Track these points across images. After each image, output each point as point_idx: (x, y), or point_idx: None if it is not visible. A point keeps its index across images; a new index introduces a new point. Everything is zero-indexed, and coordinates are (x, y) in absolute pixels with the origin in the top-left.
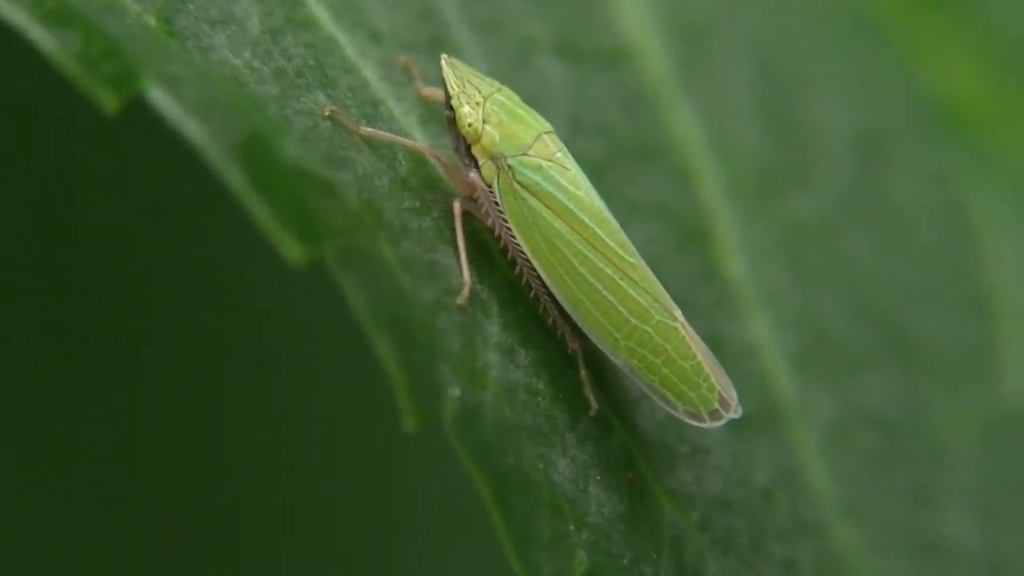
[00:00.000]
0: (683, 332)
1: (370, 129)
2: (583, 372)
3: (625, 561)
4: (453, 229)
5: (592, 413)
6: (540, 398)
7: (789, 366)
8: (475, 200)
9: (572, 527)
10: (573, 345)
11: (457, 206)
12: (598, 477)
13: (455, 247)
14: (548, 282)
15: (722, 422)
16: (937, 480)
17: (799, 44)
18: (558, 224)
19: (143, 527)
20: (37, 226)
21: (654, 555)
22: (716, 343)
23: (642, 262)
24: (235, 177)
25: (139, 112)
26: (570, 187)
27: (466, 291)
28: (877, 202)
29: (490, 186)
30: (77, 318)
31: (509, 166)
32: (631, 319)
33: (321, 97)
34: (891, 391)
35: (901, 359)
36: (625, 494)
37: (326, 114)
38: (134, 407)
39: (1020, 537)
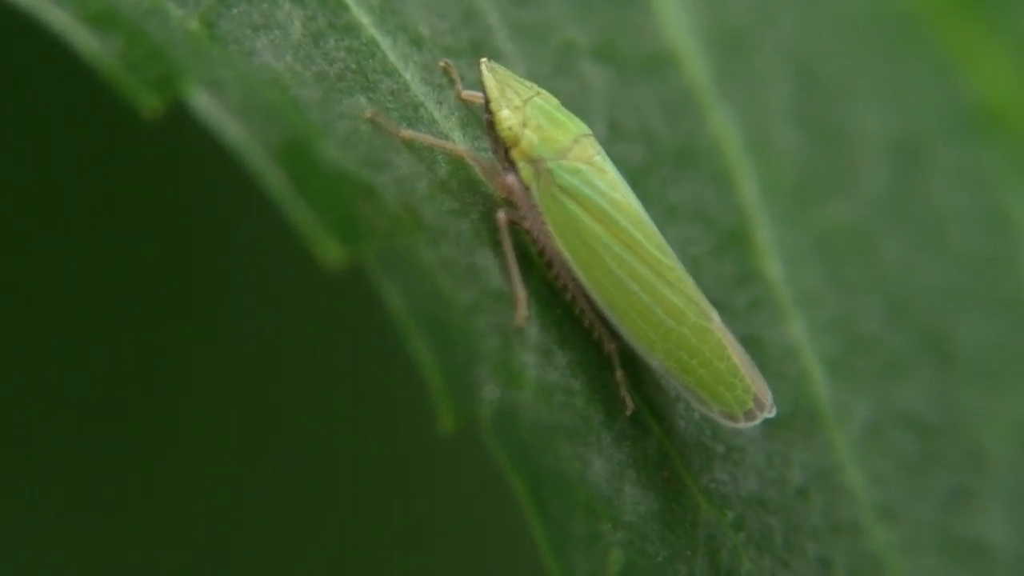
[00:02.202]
0: (719, 334)
1: (411, 132)
2: (619, 372)
3: (660, 559)
4: (500, 242)
5: (628, 413)
6: (576, 398)
7: (826, 368)
8: (513, 203)
9: (608, 526)
10: (609, 346)
11: (503, 217)
12: (634, 476)
13: (504, 262)
14: (586, 284)
15: (756, 422)
16: (973, 482)
17: (837, 48)
18: (596, 227)
19: (156, 530)
20: (51, 223)
21: (689, 553)
22: (753, 345)
23: (679, 264)
24: (276, 180)
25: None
26: (608, 190)
27: (522, 308)
28: (915, 205)
29: (529, 189)
30: (104, 320)
31: (548, 169)
32: (668, 320)
33: (362, 100)
34: (928, 393)
35: (938, 362)
36: (660, 493)
37: (367, 117)
38: (153, 407)
39: None
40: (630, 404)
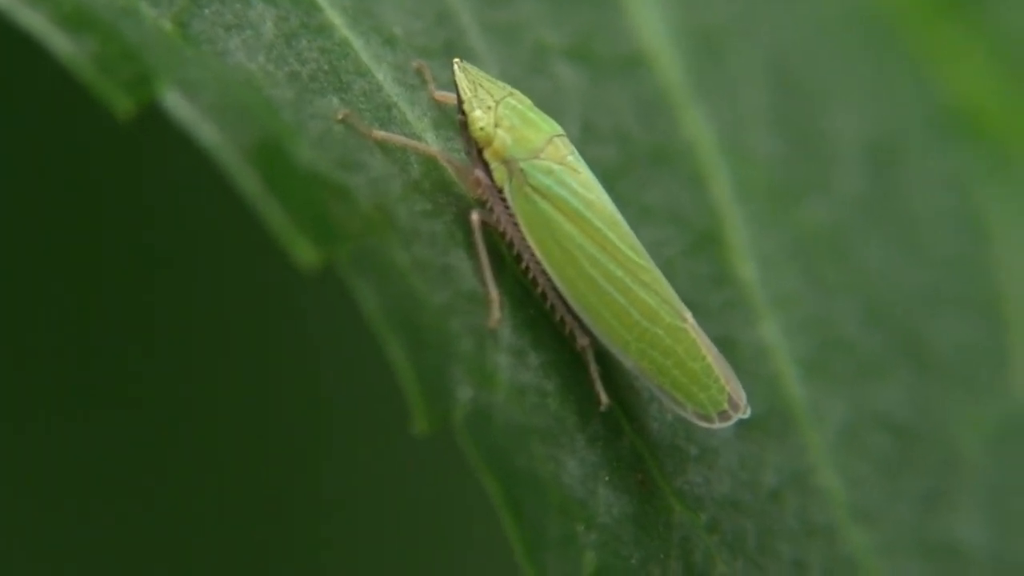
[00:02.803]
0: (693, 334)
1: (383, 133)
2: (593, 367)
3: (634, 562)
4: (473, 243)
5: (603, 408)
6: (550, 400)
7: (800, 369)
8: (486, 204)
9: (581, 528)
10: (582, 341)
11: (476, 218)
12: (607, 478)
13: (478, 263)
14: (559, 284)
15: (731, 422)
16: (949, 483)
17: (813, 50)
18: (569, 227)
19: (148, 528)
20: (46, 227)
21: (663, 556)
22: (727, 346)
23: (653, 264)
24: (249, 181)
25: (150, 115)
26: (581, 190)
27: (495, 310)
28: (891, 207)
29: (502, 189)
30: (88, 327)
31: (521, 169)
32: (642, 321)
33: (335, 101)
34: (903, 395)
35: (914, 363)
36: (634, 495)
37: (339, 118)
38: (142, 407)
39: None
40: (604, 399)
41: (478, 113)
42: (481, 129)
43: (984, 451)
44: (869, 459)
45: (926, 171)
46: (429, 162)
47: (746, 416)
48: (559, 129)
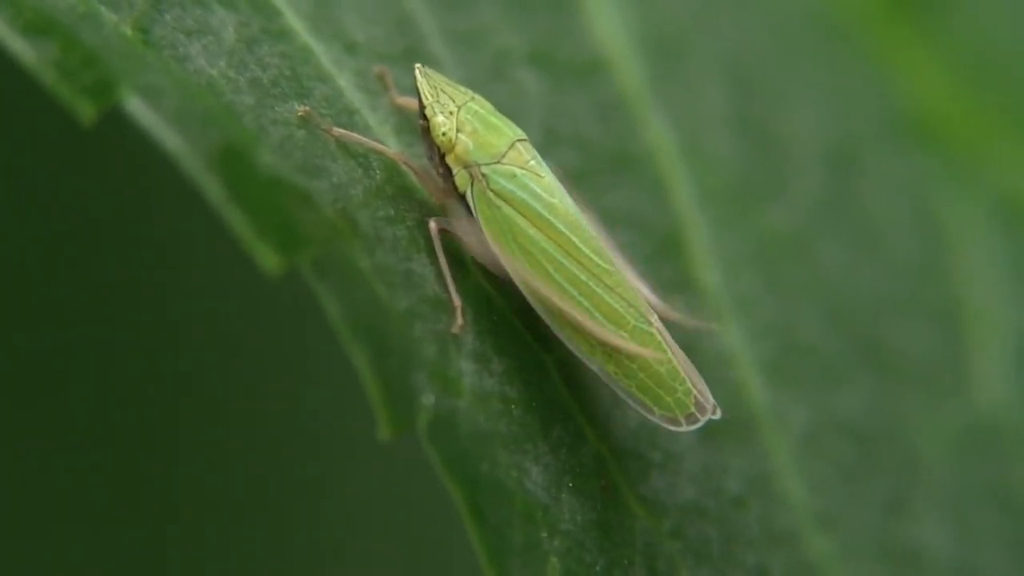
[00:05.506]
0: (659, 337)
1: (341, 130)
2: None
3: (598, 568)
4: (433, 250)
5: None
6: (513, 406)
7: (762, 375)
8: (448, 209)
9: (545, 534)
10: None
11: (433, 226)
12: (571, 485)
13: (439, 270)
14: (523, 289)
15: (700, 424)
16: (911, 489)
17: (772, 55)
18: (532, 231)
19: (118, 531)
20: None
21: (626, 562)
22: (689, 351)
23: (617, 268)
24: (212, 187)
25: (115, 122)
26: (544, 194)
27: (459, 316)
28: (850, 212)
29: (464, 194)
30: (58, 331)
31: (483, 174)
32: (607, 324)
33: (296, 107)
34: (865, 400)
35: (874, 369)
36: (598, 502)
37: (299, 114)
38: (114, 408)
39: (993, 545)
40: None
41: (440, 118)
42: (443, 134)
43: (945, 457)
44: (831, 465)
45: (885, 175)
46: (391, 167)
47: (717, 417)
48: (521, 133)
